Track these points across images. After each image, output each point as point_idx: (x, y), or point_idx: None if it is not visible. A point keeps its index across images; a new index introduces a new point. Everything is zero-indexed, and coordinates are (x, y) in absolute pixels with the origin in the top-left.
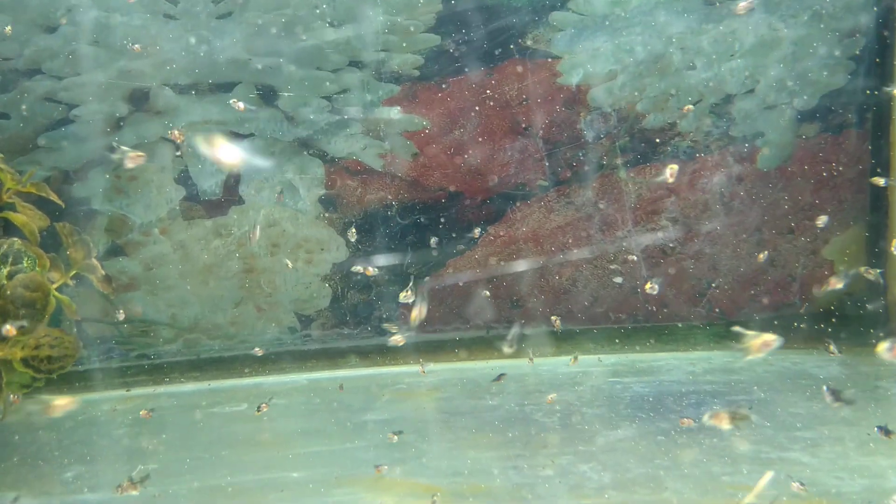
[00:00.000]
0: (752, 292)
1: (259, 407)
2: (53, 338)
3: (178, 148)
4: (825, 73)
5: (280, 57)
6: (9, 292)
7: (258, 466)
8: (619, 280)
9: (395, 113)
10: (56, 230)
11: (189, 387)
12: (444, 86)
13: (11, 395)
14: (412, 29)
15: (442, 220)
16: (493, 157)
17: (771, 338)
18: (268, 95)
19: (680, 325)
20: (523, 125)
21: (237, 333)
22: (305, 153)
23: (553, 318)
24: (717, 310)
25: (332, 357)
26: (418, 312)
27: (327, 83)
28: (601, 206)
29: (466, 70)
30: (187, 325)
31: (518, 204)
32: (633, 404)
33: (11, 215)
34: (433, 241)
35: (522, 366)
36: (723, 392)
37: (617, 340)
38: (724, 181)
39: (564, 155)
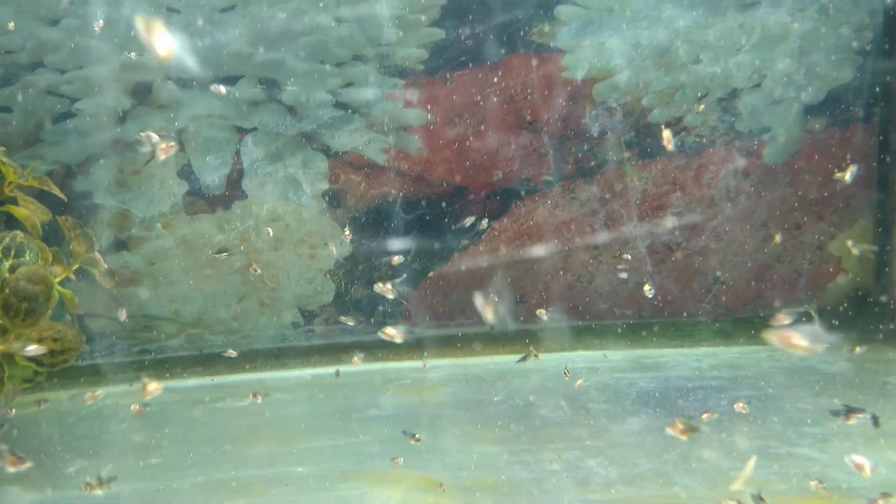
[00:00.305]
0: (759, 288)
1: (255, 395)
2: (56, 331)
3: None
4: (832, 67)
5: (284, 50)
6: (11, 285)
7: (262, 461)
8: (624, 276)
9: (399, 107)
10: (58, 224)
11: (192, 382)
12: (448, 80)
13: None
14: (416, 23)
15: (446, 215)
16: (497, 152)
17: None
18: (271, 89)
19: (686, 320)
20: (528, 120)
21: (240, 329)
22: (309, 147)
23: (539, 311)
24: (722, 305)
25: (335, 352)
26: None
27: (331, 77)
28: (606, 201)
29: (471, 64)
30: (190, 321)
31: (523, 199)
32: (640, 399)
33: (13, 209)
34: (437, 236)
35: (528, 361)
36: (729, 388)
37: (623, 336)
38: (731, 176)
39: (569, 150)
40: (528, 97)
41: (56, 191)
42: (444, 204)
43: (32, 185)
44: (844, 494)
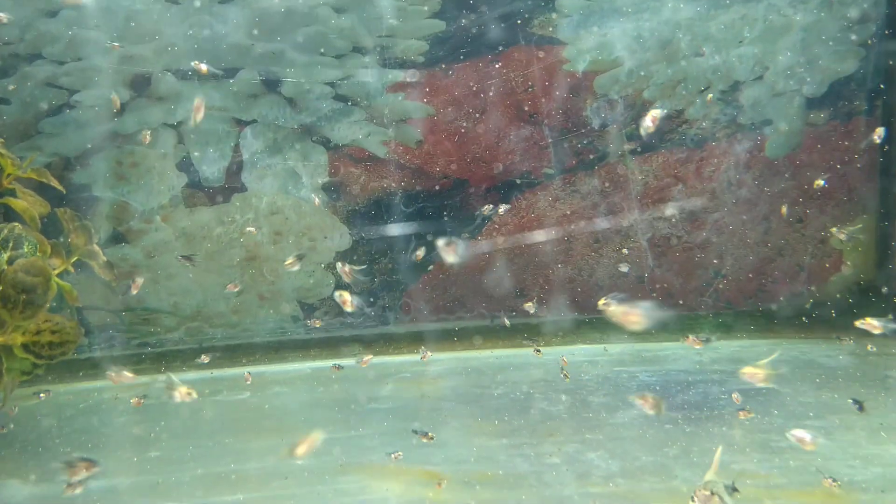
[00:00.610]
0: (761, 281)
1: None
2: (54, 324)
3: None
4: (834, 59)
5: (283, 42)
6: (10, 277)
7: (262, 454)
8: (624, 269)
9: (399, 100)
10: (57, 216)
11: (191, 375)
12: (448, 72)
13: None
14: (417, 14)
15: (446, 208)
16: (498, 145)
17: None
18: (271, 81)
19: (687, 313)
20: (529, 112)
21: (240, 322)
22: (309, 140)
23: (528, 304)
24: (723, 298)
25: (335, 345)
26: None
27: (331, 69)
28: (607, 194)
29: (472, 56)
30: (189, 314)
31: (523, 192)
32: (639, 393)
33: (12, 201)
34: (438, 229)
35: (527, 355)
36: (729, 381)
37: (623, 329)
38: (732, 169)
39: (570, 142)
40: (529, 89)
41: (55, 183)
42: (444, 197)
43: (31, 177)
44: (846, 487)
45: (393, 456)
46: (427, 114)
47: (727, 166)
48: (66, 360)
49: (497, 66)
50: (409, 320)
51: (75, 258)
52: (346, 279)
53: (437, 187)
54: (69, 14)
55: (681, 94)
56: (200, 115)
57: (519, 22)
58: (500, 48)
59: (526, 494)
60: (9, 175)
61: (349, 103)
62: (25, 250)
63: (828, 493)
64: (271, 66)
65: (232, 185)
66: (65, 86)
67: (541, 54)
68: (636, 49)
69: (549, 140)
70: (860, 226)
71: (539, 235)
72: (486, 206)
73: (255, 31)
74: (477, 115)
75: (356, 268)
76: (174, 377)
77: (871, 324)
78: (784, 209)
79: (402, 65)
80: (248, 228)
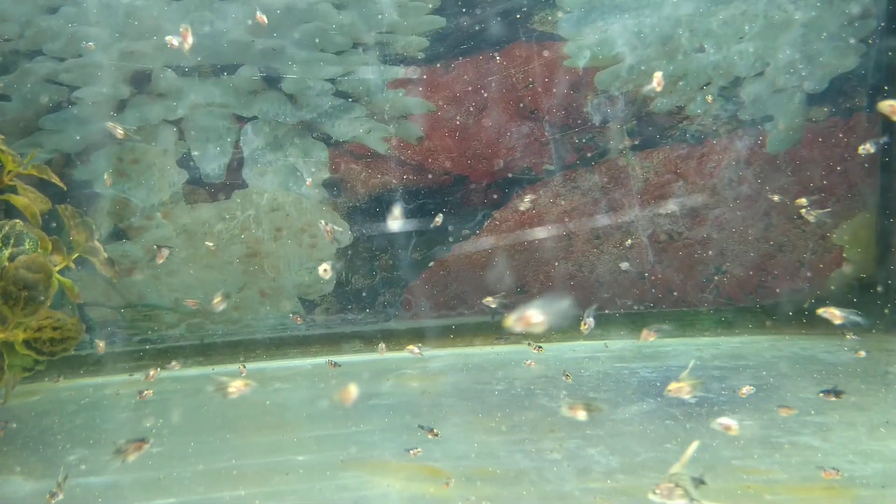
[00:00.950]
0: (761, 277)
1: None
2: (56, 320)
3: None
4: (835, 55)
5: (283, 39)
6: (11, 274)
7: (263, 450)
8: (625, 265)
9: (399, 96)
10: (58, 213)
11: (193, 371)
12: (449, 69)
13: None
14: (418, 10)
15: (447, 204)
16: (498, 141)
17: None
18: (271, 78)
19: (687, 310)
20: (529, 108)
21: (241, 318)
22: (310, 136)
23: (488, 299)
24: (724, 294)
25: (336, 342)
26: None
27: (331, 65)
28: (608, 190)
29: (472, 52)
30: (191, 310)
31: (524, 188)
32: (641, 389)
33: (13, 198)
34: (438, 225)
35: (528, 351)
36: (730, 377)
37: (624, 325)
38: (733, 165)
39: (571, 139)
40: (530, 85)
41: (55, 179)
42: (444, 193)
43: (32, 174)
44: (846, 483)
45: (412, 453)
46: (428, 110)
47: (728, 162)
48: (67, 357)
49: (497, 62)
50: (410, 317)
51: (76, 255)
52: (328, 238)
53: (437, 184)
54: (69, 10)
55: (682, 90)
56: (188, 42)
57: (519, 17)
58: (501, 44)
59: (526, 490)
60: (10, 172)
61: (350, 100)
62: (27, 247)
63: (827, 489)
64: (272, 62)
65: (233, 181)
66: (65, 82)
67: (542, 52)
68: (637, 45)
69: (550, 136)
70: (828, 210)
71: (539, 232)
72: (522, 197)
73: (255, 27)
74: (477, 112)
75: (337, 228)
76: (221, 378)
77: (833, 313)
78: (776, 196)
79: (403, 61)
80: (208, 243)
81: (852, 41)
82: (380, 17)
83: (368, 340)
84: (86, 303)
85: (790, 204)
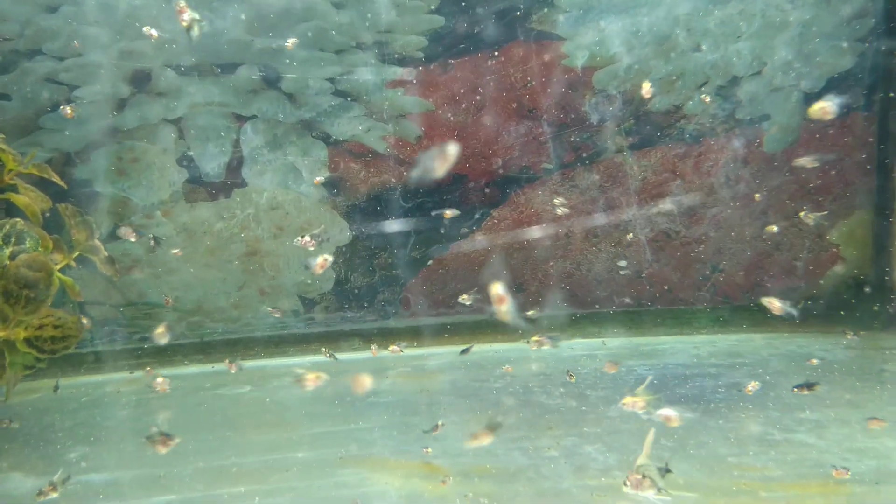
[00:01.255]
0: (758, 276)
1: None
2: (56, 318)
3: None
4: (832, 55)
5: (283, 38)
6: (12, 273)
7: (263, 447)
8: (623, 264)
9: (398, 95)
10: (58, 212)
11: (193, 369)
12: (448, 68)
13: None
14: (416, 10)
15: (446, 203)
16: (497, 140)
17: None
18: (270, 77)
19: (684, 308)
20: (528, 108)
21: (240, 316)
22: (309, 135)
23: (464, 297)
24: (721, 293)
25: (335, 340)
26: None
27: (331, 64)
28: (606, 189)
29: (471, 52)
30: (190, 308)
31: (522, 187)
32: (638, 386)
33: (14, 197)
34: (437, 224)
35: (526, 349)
36: (727, 375)
37: (621, 323)
38: (730, 164)
39: (569, 138)
40: (528, 85)
41: (56, 178)
42: (443, 192)
43: (32, 173)
44: (840, 479)
45: (425, 451)
46: (426, 109)
47: (725, 161)
48: (68, 355)
49: (496, 61)
50: (409, 315)
51: (77, 253)
52: (311, 248)
53: (436, 182)
54: (69, 10)
55: (679, 90)
56: (185, 17)
57: (518, 17)
58: (499, 44)
59: (524, 487)
60: (10, 171)
61: (349, 99)
62: (28, 246)
63: (822, 486)
64: (271, 61)
65: (232, 180)
66: (65, 81)
67: (540, 50)
68: (634, 44)
69: (548, 135)
70: (825, 213)
71: (538, 230)
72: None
73: (255, 27)
74: (476, 111)
75: (315, 232)
76: (299, 370)
77: (773, 303)
78: (757, 196)
79: (402, 61)
80: (174, 251)
81: (849, 41)
82: (379, 16)
83: (367, 338)
84: (86, 301)
85: (798, 213)
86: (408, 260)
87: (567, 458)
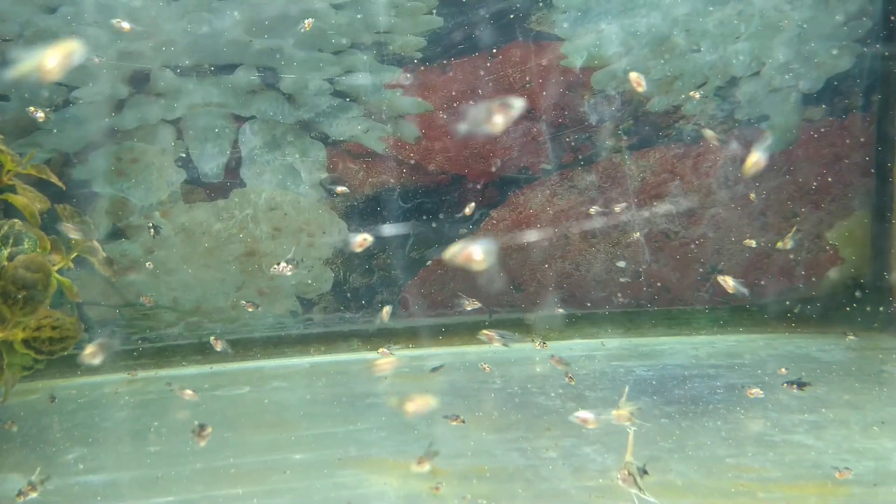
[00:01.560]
0: (756, 276)
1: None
2: (55, 319)
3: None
4: (831, 55)
5: (281, 38)
6: (10, 273)
7: (261, 448)
8: (622, 264)
9: (397, 96)
10: (57, 212)
11: (191, 370)
12: (446, 68)
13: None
14: (415, 10)
15: (444, 203)
16: (495, 141)
17: None
18: (269, 77)
19: (683, 308)
20: (526, 108)
21: (239, 317)
22: (307, 136)
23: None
24: (719, 293)
25: (333, 341)
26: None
27: (329, 65)
28: (604, 189)
29: (469, 53)
30: (189, 309)
31: (521, 187)
32: (636, 387)
33: (12, 197)
34: (435, 224)
35: (525, 349)
36: (726, 376)
37: (620, 324)
38: (729, 165)
39: (568, 138)
40: (527, 85)
41: (54, 179)
42: (441, 193)
43: (31, 174)
44: (839, 481)
45: (453, 421)
46: (425, 110)
47: (724, 162)
48: (66, 356)
49: (495, 62)
50: (408, 316)
51: (75, 254)
52: (289, 273)
53: (434, 183)
54: (68, 10)
55: (678, 90)
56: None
57: (517, 18)
58: (498, 44)
59: (522, 488)
60: (8, 171)
61: (347, 99)
62: (26, 246)
63: (820, 487)
64: (270, 62)
65: (231, 180)
66: (63, 82)
67: (538, 50)
68: (633, 45)
69: (547, 136)
70: (800, 233)
71: (536, 231)
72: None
73: (254, 27)
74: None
75: (289, 257)
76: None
77: (727, 282)
78: (752, 196)
79: (400, 61)
80: (147, 264)
81: (848, 41)
82: (377, 17)
83: (366, 339)
84: (84, 302)
85: (796, 214)
86: (406, 260)
87: (565, 459)
